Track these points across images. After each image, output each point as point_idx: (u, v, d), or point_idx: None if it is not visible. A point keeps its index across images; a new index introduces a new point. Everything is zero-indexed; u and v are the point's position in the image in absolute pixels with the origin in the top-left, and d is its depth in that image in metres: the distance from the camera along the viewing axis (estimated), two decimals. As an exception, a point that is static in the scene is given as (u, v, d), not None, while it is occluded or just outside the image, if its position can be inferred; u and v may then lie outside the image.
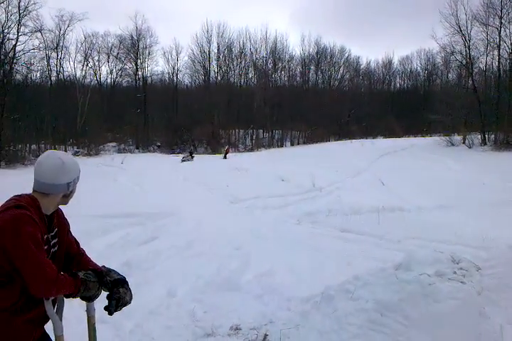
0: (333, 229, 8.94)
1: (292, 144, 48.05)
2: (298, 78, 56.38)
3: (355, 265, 5.79)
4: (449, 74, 48.26)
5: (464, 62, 33.33)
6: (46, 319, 2.14)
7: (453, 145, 30.78)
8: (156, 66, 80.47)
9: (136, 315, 4.17)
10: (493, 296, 4.29)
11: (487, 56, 32.87)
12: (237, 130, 47.29)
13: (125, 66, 48.50)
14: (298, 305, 4.52)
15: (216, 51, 49.93)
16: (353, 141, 41.63)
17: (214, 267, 5.90)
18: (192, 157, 31.59)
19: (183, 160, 29.99)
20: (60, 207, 2.30)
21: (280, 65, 53.43)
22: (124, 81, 50.86)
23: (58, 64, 42.16)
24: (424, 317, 3.83)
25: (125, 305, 2.32)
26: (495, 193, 11.89)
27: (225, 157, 31.99)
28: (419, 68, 61.47)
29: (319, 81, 57.31)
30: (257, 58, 51.88)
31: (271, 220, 9.93)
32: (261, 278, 5.50)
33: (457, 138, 31.95)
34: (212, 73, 50.82)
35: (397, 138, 42.63)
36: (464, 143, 30.63)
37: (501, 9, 30.04)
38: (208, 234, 8.28)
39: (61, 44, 41.26)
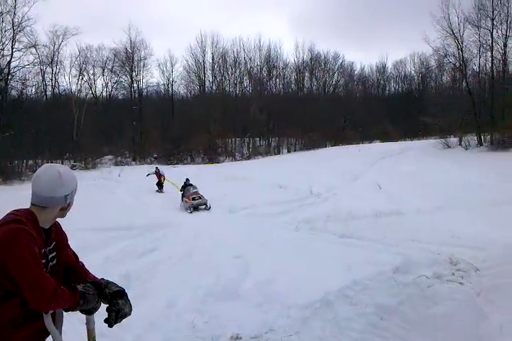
0: (332, 234, 8.96)
1: (289, 151, 48.01)
2: (293, 85, 56.44)
3: (355, 270, 5.79)
4: (443, 77, 48.39)
5: (458, 64, 33.44)
6: (46, 333, 2.15)
7: (449, 147, 30.83)
8: (151, 78, 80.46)
9: (136, 328, 4.17)
10: (491, 296, 4.30)
11: (480, 58, 32.87)
12: (233, 139, 47.31)
13: (120, 79, 48.63)
14: (298, 312, 4.52)
15: (211, 61, 50.10)
16: (350, 146, 41.73)
17: (213, 276, 5.90)
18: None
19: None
20: (58, 220, 2.33)
21: (275, 72, 53.59)
22: (119, 94, 50.96)
23: (53, 78, 42.22)
24: (423, 319, 3.85)
25: (125, 316, 2.32)
26: (491, 194, 11.91)
27: (160, 187, 19.39)
28: (413, 72, 61.66)
29: (314, 87, 57.39)
30: (251, 67, 52.10)
31: (269, 228, 9.95)
32: (261, 286, 5.50)
33: (453, 139, 32.03)
34: (207, 83, 50.94)
35: (394, 142, 42.65)
36: (460, 144, 30.68)
37: (493, 11, 30.11)
38: (207, 243, 8.29)
39: (56, 59, 41.24)
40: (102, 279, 2.39)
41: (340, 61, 57.97)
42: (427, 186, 14.71)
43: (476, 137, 30.42)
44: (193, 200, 14.09)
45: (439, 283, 4.12)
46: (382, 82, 63.50)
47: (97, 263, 5.99)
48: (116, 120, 46.55)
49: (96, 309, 2.26)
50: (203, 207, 14.33)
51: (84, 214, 9.39)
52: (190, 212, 13.78)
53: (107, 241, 8.64)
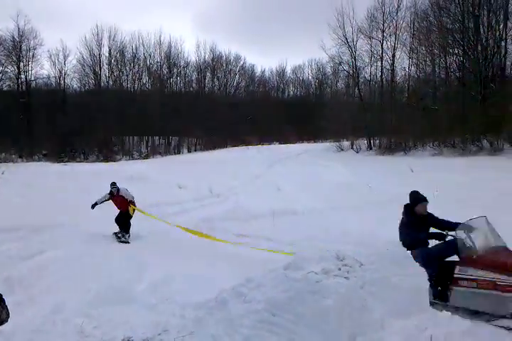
0: (230, 234, 9.05)
1: (189, 151, 47.80)
2: (194, 84, 56.26)
3: (250, 268, 5.90)
4: (338, 84, 51.06)
5: (351, 72, 35.63)
6: None
7: (342, 150, 32.73)
8: (41, 69, 74.86)
9: (18, 335, 3.87)
10: (374, 289, 4.64)
11: (371, 67, 35.29)
12: (131, 137, 45.88)
13: (6, 69, 44.85)
14: (192, 311, 4.51)
15: (107, 55, 48.13)
16: (250, 147, 42.52)
17: (105, 279, 5.67)
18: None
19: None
20: None
21: (175, 70, 52.95)
22: (4, 85, 46.94)
23: None
24: (312, 313, 4.03)
25: (1, 323, 2.18)
26: (377, 194, 12.82)
27: (125, 229, 9.08)
28: (310, 77, 64.48)
29: (215, 88, 57.68)
30: (151, 63, 50.96)
31: (167, 228, 9.78)
32: (155, 287, 5.41)
33: (346, 143, 33.98)
34: (103, 78, 48.82)
35: (292, 144, 44.27)
36: (352, 148, 32.68)
37: (383, 23, 32.60)
38: (100, 244, 7.96)
39: None
40: (-24, 284, 2.21)
41: (241, 63, 58.79)
42: (321, 187, 15.44)
43: (366, 141, 32.56)
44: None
45: (327, 278, 4.36)
46: (281, 85, 65.47)
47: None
48: (0, 113, 42.84)
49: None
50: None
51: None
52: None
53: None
